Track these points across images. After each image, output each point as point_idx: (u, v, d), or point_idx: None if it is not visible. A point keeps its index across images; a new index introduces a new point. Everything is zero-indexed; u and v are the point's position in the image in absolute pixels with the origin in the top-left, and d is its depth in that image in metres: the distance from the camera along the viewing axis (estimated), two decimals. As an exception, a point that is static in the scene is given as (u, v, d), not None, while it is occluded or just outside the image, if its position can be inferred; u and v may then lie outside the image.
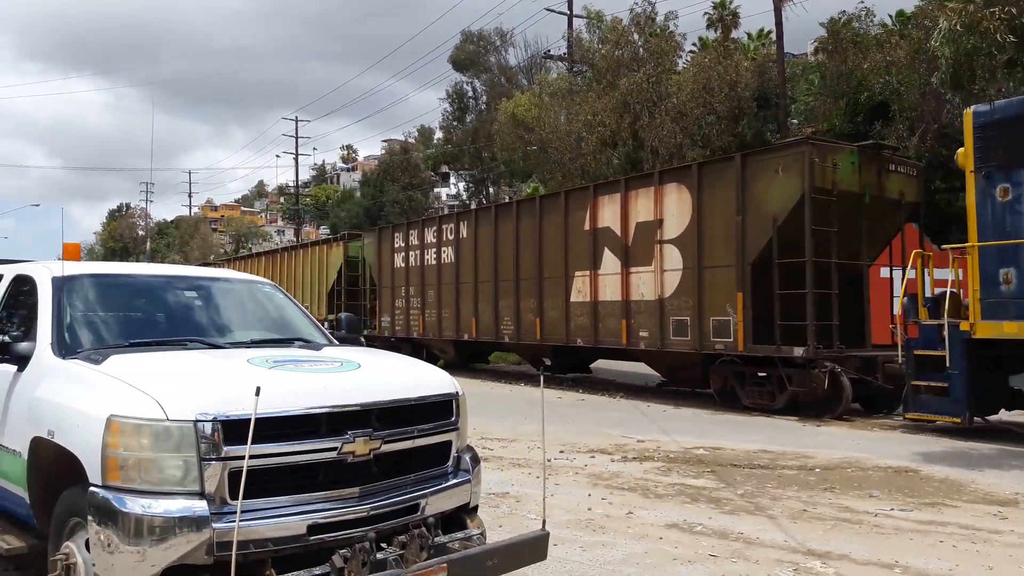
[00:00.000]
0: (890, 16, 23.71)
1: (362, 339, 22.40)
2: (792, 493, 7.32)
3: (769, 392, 12.99)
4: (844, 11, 21.56)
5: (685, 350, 13.96)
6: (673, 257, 14.18)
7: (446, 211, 43.63)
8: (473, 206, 27.59)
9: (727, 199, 13.26)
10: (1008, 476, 8.09)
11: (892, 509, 6.71)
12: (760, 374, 13.20)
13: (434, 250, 20.74)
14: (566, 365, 18.11)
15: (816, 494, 7.28)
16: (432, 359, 20.20)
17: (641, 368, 17.59)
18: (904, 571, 5.13)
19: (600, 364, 19.16)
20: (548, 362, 17.91)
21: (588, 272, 15.89)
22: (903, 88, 18.62)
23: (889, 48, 19.39)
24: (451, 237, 20.13)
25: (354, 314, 22.24)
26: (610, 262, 15.47)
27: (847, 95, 21.06)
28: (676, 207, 14.18)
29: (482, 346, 20.55)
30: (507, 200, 24.30)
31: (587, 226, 15.95)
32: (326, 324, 24.75)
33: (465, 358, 21.47)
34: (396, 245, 22.32)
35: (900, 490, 7.42)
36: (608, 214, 15.58)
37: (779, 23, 23.04)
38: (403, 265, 21.97)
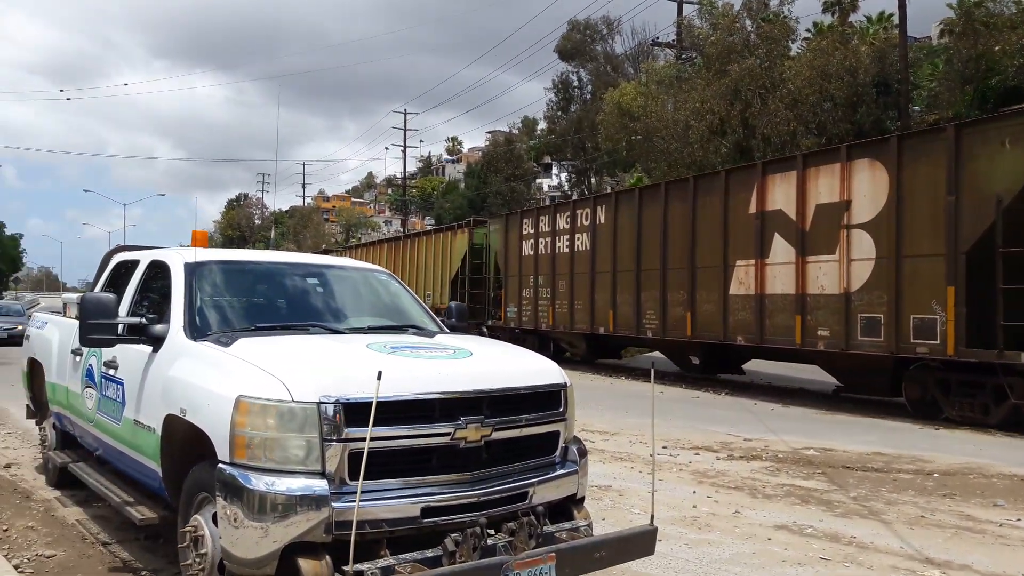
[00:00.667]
0: (1026, -5, 22.21)
1: (484, 329, 21.92)
2: (908, 498, 7.01)
3: (982, 404, 11.22)
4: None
5: (875, 352, 12.14)
6: (863, 244, 12.31)
7: (547, 201, 43.69)
8: (609, 190, 25.68)
9: (934, 177, 11.38)
10: None
11: (1019, 520, 6.34)
12: (969, 382, 11.37)
13: (567, 237, 19.37)
14: (716, 364, 16.58)
15: (934, 500, 6.95)
16: (558, 353, 19.98)
17: (799, 370, 16.42)
18: (1034, 586, 4.85)
19: (753, 365, 17.30)
20: (696, 361, 16.49)
21: (753, 261, 14.18)
22: (1039, 72, 17.45)
23: (1024, 30, 18.20)
24: (586, 223, 18.66)
25: (478, 304, 22.20)
26: (781, 250, 13.73)
27: (976, 80, 19.90)
28: (868, 186, 12.29)
29: (616, 341, 19.26)
30: (616, 188, 23.70)
31: (752, 209, 14.23)
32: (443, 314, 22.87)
33: (595, 353, 20.24)
34: (525, 232, 21.05)
35: (1029, 500, 7.00)
36: (780, 195, 13.80)
37: (902, 5, 21.95)
38: (532, 253, 20.69)
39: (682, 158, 24.12)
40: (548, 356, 18.72)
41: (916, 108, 24.48)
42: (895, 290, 11.78)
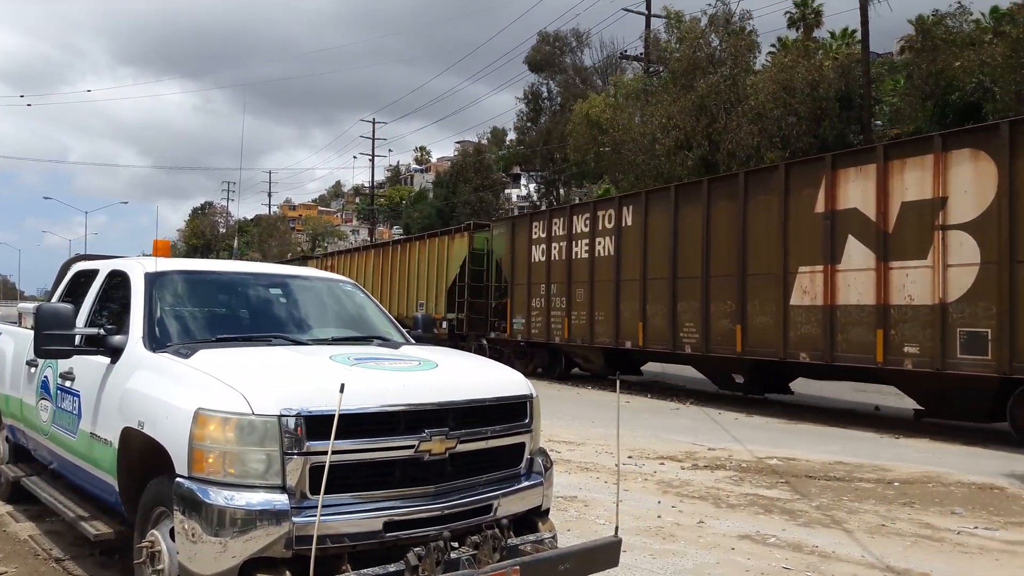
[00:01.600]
0: (982, 14, 22.81)
1: (484, 342, 20.88)
2: (870, 507, 7.10)
3: None
4: (936, 9, 20.86)
5: (980, 372, 10.63)
6: (964, 248, 10.80)
7: (516, 211, 43.58)
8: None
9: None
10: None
11: (976, 527, 6.44)
12: None
13: (586, 241, 17.63)
14: (764, 383, 14.80)
15: (895, 509, 7.05)
16: (567, 368, 19.42)
17: (856, 392, 15.34)
18: (991, 594, 4.93)
19: (800, 384, 15.36)
20: (740, 379, 14.72)
21: (821, 267, 12.57)
22: (997, 88, 17.86)
23: (983, 46, 18.63)
24: (609, 225, 16.99)
25: (479, 314, 21.45)
26: (858, 254, 12.11)
27: (936, 96, 20.34)
28: (970, 181, 10.78)
29: (639, 356, 17.57)
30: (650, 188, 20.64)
31: (820, 207, 12.66)
32: (444, 324, 22.89)
33: (612, 368, 17.96)
34: (535, 235, 19.35)
35: (985, 508, 7.12)
36: (854, 191, 12.22)
37: (864, 21, 22.42)
38: (543, 259, 19.00)
39: (649, 170, 24.33)
40: (560, 371, 17.40)
41: (878, 123, 24.97)
42: (1006, 301, 10.34)
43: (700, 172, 21.43)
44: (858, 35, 24.73)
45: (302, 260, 27.66)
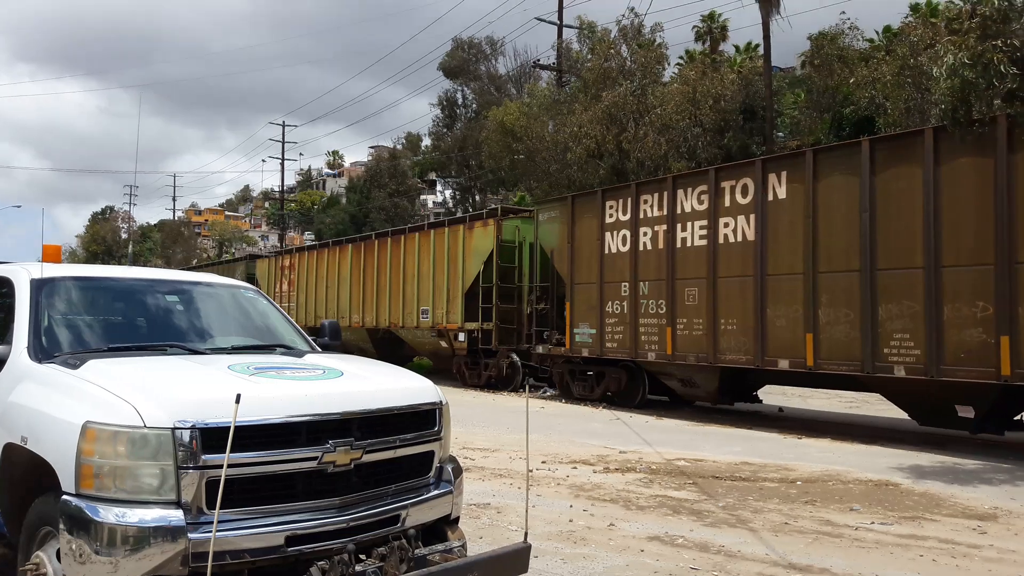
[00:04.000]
0: (876, 32, 24.00)
1: (518, 357, 18.04)
2: (773, 506, 7.32)
3: None
4: (832, 25, 21.83)
5: None
6: None
7: (432, 218, 43.24)
8: (495, 207, 21.36)
9: None
10: (988, 490, 8.13)
11: (873, 523, 6.72)
12: None
13: (701, 223, 13.58)
14: (1006, 416, 10.78)
15: (797, 507, 7.28)
16: (655, 394, 15.28)
17: None
18: (885, 586, 5.13)
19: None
20: (970, 414, 10.59)
21: None
22: (888, 103, 18.79)
23: (875, 63, 19.58)
24: (745, 200, 12.91)
25: (509, 323, 18.33)
26: None
27: (832, 109, 21.25)
28: None
29: (758, 377, 13.91)
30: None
31: None
32: (462, 336, 19.07)
33: (727, 395, 14.23)
34: (609, 219, 15.31)
35: (881, 504, 7.43)
36: None
37: (766, 36, 23.26)
38: (625, 248, 14.94)
39: (562, 179, 24.58)
40: (643, 398, 14.88)
41: (780, 134, 25.91)
42: None
43: (612, 181, 21.77)
44: (761, 50, 25.66)
45: (250, 259, 25.52)
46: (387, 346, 22.21)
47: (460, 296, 18.77)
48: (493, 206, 25.44)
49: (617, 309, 15.10)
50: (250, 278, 24.90)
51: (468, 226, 19.17)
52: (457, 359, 19.81)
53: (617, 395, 15.57)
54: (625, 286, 14.93)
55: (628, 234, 14.97)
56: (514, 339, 18.29)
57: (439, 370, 21.10)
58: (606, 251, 15.37)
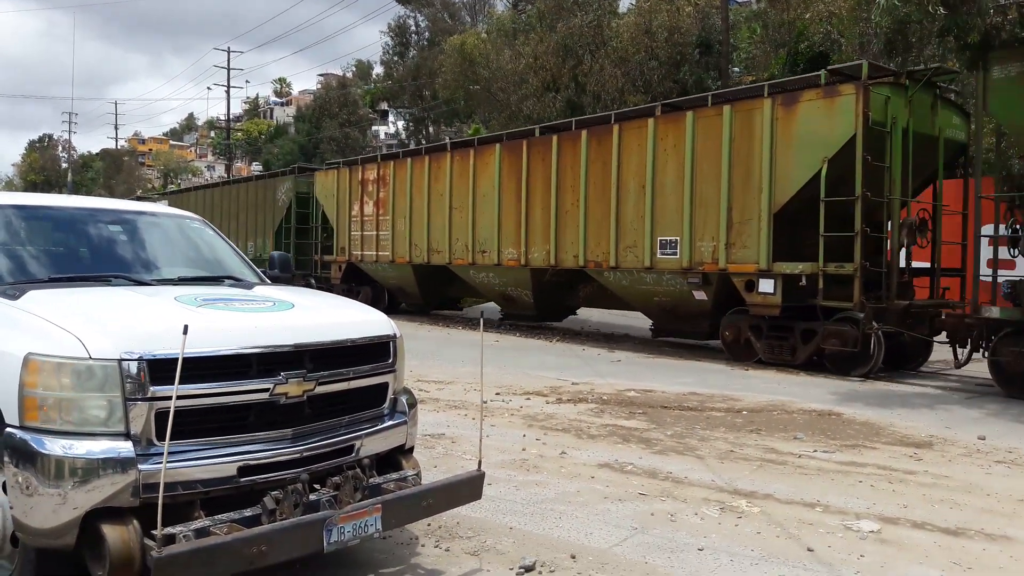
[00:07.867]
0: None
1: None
2: (720, 435, 7.52)
3: None
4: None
5: None
6: None
7: (384, 149, 42.70)
8: (447, 140, 21.50)
9: None
10: (924, 418, 8.47)
11: (815, 451, 6.96)
12: None
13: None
14: None
15: (743, 436, 7.50)
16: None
17: None
18: (825, 509, 5.33)
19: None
20: None
21: None
22: (843, 40, 18.83)
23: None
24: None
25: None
26: None
27: (788, 44, 21.23)
28: None
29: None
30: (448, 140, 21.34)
31: None
32: (770, 285, 15.28)
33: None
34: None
35: (823, 432, 7.69)
36: None
37: (724, -32, 22.94)
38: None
39: (520, 111, 24.29)
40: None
41: (736, 69, 25.85)
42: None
43: (568, 114, 21.58)
44: (719, -19, 25.36)
45: (298, 172, 24.09)
46: (563, 294, 16.51)
47: (764, 219, 11.94)
48: (446, 139, 25.07)
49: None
50: (301, 199, 22.99)
51: (786, 100, 11.68)
52: (738, 322, 12.65)
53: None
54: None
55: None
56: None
57: (692, 346, 14.60)
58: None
